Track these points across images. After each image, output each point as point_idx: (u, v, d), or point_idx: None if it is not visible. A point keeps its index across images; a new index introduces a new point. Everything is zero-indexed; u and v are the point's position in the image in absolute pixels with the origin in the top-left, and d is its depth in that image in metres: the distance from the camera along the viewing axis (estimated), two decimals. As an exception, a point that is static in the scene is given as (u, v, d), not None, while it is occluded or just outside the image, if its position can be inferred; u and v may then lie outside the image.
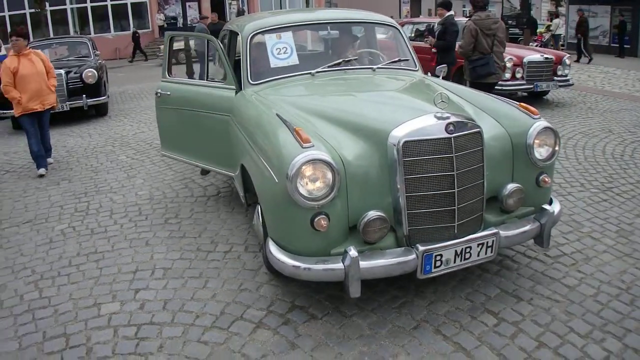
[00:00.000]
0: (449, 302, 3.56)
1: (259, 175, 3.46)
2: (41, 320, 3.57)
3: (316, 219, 3.01)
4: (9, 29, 29.95)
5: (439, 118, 3.14)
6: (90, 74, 10.63)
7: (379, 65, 4.90)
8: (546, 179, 3.63)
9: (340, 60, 4.78)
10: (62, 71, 10.39)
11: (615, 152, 7.13)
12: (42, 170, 7.02)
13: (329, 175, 3.00)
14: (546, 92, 11.29)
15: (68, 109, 10.38)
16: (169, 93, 5.31)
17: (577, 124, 8.83)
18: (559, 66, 10.73)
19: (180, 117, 5.21)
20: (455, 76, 9.14)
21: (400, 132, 3.12)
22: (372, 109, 3.69)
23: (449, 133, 3.10)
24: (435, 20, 12.75)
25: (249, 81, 4.57)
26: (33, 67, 6.97)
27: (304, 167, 2.97)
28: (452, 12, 8.75)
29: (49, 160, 7.48)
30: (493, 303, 3.54)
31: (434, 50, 9.18)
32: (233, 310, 3.57)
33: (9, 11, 30.23)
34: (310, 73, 4.60)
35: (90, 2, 31.75)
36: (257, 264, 4.17)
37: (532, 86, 10.18)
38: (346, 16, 5.55)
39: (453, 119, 3.14)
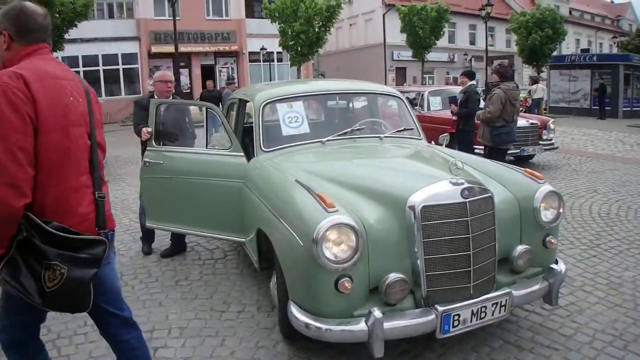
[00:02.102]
0: (457, 354, 3.73)
1: (281, 239, 3.54)
2: (64, 378, 3.61)
3: (340, 281, 3.11)
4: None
5: (454, 184, 3.32)
6: None
7: (386, 134, 5.11)
8: (552, 240, 3.80)
9: (350, 129, 4.98)
10: None
11: (601, 210, 7.46)
12: None
13: (353, 238, 3.10)
14: (532, 156, 11.69)
15: None
16: (161, 162, 5.20)
17: (563, 185, 9.16)
18: (544, 131, 11.20)
19: (175, 186, 5.11)
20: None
21: (418, 198, 3.26)
22: (387, 175, 3.89)
23: (464, 198, 3.26)
24: (422, 89, 13.29)
25: (261, 148, 4.74)
26: None
27: (329, 231, 3.08)
28: (474, 82, 9.20)
29: None
30: (497, 353, 3.73)
31: (454, 118, 9.62)
32: (252, 366, 3.66)
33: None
34: (321, 141, 4.80)
35: (83, 66, 32.37)
36: (271, 322, 4.26)
37: (518, 151, 10.56)
38: (353, 87, 5.80)
39: (467, 184, 3.33)
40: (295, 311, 3.33)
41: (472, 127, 8.79)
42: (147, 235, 6.32)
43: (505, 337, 3.94)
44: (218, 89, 34.41)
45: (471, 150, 8.19)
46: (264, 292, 4.84)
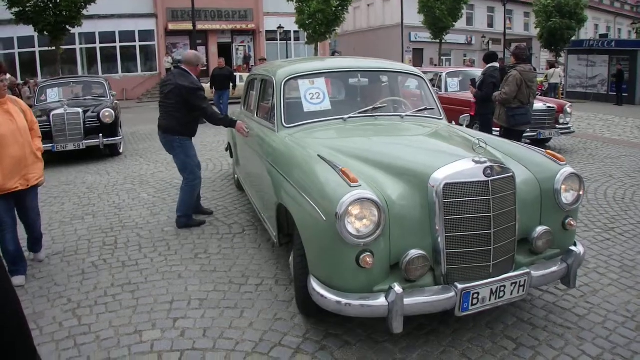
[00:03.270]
0: (471, 329, 3.81)
1: (304, 214, 3.57)
2: (83, 345, 3.71)
3: (362, 256, 3.13)
4: (18, 67, 30.68)
5: (476, 162, 3.32)
6: (107, 114, 10.88)
7: (407, 113, 5.13)
8: (572, 222, 3.80)
9: (371, 107, 5.01)
10: (80, 110, 10.72)
11: (616, 195, 7.47)
12: (19, 279, 4.81)
13: (376, 213, 3.13)
14: (548, 140, 11.64)
15: (84, 147, 10.61)
16: None
17: (579, 170, 9.01)
18: (561, 114, 11.14)
19: None
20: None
21: (441, 175, 3.27)
22: (409, 152, 3.91)
23: (486, 176, 3.27)
24: (440, 71, 13.23)
25: (283, 124, 4.79)
26: (12, 122, 4.65)
27: (352, 206, 3.10)
28: (494, 64, 9.09)
29: (39, 256, 5.39)
30: (511, 330, 3.80)
31: (473, 100, 9.68)
32: (271, 337, 3.75)
33: (19, 49, 30.88)
34: (342, 118, 4.84)
35: (100, 43, 32.49)
36: (289, 295, 4.35)
37: (535, 134, 10.52)
38: (375, 65, 5.80)
39: (490, 163, 3.33)
40: (315, 285, 3.36)
41: (488, 110, 8.73)
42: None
43: (519, 315, 4.00)
44: (235, 67, 34.68)
45: (489, 132, 8.16)
46: (282, 266, 4.91)
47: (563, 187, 3.74)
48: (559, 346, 3.58)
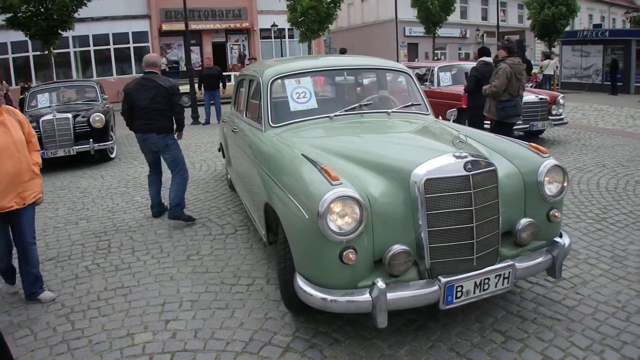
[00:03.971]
0: (460, 323, 3.84)
1: (288, 212, 3.61)
2: (77, 350, 3.74)
3: (345, 253, 3.18)
4: (12, 72, 30.67)
5: (457, 157, 3.36)
6: (97, 119, 10.72)
7: (394, 110, 5.16)
8: (556, 214, 3.84)
9: (357, 105, 5.05)
10: (70, 115, 10.60)
11: (608, 185, 7.50)
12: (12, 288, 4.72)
13: (357, 210, 3.16)
14: (542, 131, 11.68)
15: (75, 153, 10.52)
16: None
17: (572, 160, 9.17)
18: (554, 106, 11.16)
19: None
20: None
21: (422, 171, 3.31)
22: (392, 150, 3.95)
23: (467, 171, 3.31)
24: (432, 65, 13.25)
25: (269, 124, 4.84)
26: (7, 135, 4.20)
27: (333, 204, 3.14)
28: (484, 59, 9.06)
29: (45, 296, 4.61)
30: (500, 323, 3.83)
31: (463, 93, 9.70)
32: (261, 336, 3.79)
33: (12, 54, 30.86)
34: (328, 116, 4.87)
35: (93, 45, 32.46)
36: (280, 295, 4.34)
37: (527, 126, 10.55)
38: (361, 63, 5.87)
39: (470, 157, 3.37)
40: (301, 283, 3.41)
41: (476, 103, 8.73)
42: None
43: (508, 308, 4.03)
44: (230, 65, 34.66)
45: (480, 126, 8.20)
46: (274, 266, 4.94)
47: (546, 179, 3.77)
48: (548, 338, 3.60)
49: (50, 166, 10.65)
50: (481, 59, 9.13)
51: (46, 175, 9.47)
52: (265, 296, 4.42)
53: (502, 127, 7.65)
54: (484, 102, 8.31)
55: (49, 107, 11.65)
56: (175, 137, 6.70)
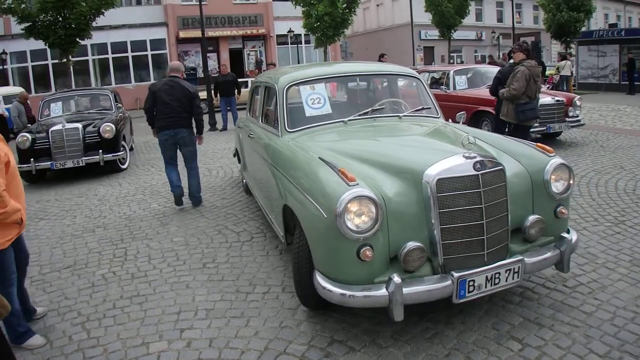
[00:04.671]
0: (477, 331, 3.81)
1: (307, 213, 3.75)
2: (92, 358, 3.77)
3: (362, 250, 3.32)
4: (31, 80, 31.05)
5: (467, 157, 3.51)
6: (108, 129, 10.54)
7: (405, 113, 5.32)
8: (563, 210, 3.98)
9: (370, 109, 5.21)
10: (80, 125, 10.49)
11: (627, 187, 7.39)
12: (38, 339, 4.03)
13: (373, 209, 3.32)
14: (559, 133, 11.57)
15: (83, 164, 10.30)
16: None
17: (589, 162, 9.07)
18: (570, 107, 11.07)
19: None
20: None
21: (434, 171, 3.46)
22: (405, 152, 4.10)
23: (476, 170, 3.46)
24: (448, 69, 13.17)
25: (286, 129, 5.01)
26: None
27: (350, 204, 3.29)
28: (512, 61, 8.81)
29: (32, 341, 3.99)
30: (517, 330, 3.79)
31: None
32: (276, 345, 3.77)
33: (32, 62, 31.26)
34: (342, 121, 5.04)
35: (112, 53, 32.80)
36: (296, 302, 4.37)
37: (544, 128, 10.46)
38: (373, 69, 6.06)
39: (479, 158, 3.52)
40: (320, 280, 3.56)
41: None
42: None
43: (525, 315, 4.00)
44: (247, 71, 34.79)
45: (501, 130, 8.15)
46: (289, 273, 4.95)
47: (553, 177, 3.92)
48: (566, 345, 3.56)
49: (69, 174, 10.76)
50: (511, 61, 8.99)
51: (64, 183, 9.62)
52: (280, 304, 4.41)
53: (520, 130, 7.68)
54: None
55: (61, 116, 11.64)
56: (196, 141, 7.66)
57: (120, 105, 13.17)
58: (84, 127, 10.52)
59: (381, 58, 17.23)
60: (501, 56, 22.28)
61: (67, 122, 10.57)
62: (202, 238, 6.26)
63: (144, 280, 5.14)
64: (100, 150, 10.39)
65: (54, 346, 3.96)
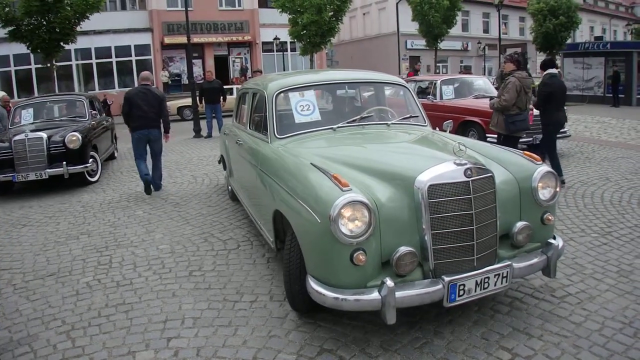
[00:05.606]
0: (466, 341, 3.80)
1: (299, 218, 3.76)
2: (78, 368, 3.70)
3: (355, 254, 3.35)
4: (14, 84, 30.77)
5: (458, 164, 3.57)
6: (74, 139, 9.67)
7: (393, 121, 5.38)
8: (550, 217, 4.07)
9: (359, 117, 5.26)
10: (44, 134, 9.65)
11: (613, 198, 7.44)
12: None
13: (367, 214, 3.35)
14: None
15: (47, 177, 9.50)
16: None
17: (575, 173, 9.13)
18: (557, 119, 11.08)
19: None
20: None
21: (426, 177, 3.51)
22: (396, 158, 4.14)
23: (467, 177, 3.52)
24: (435, 78, 13.23)
25: (275, 135, 5.03)
26: None
27: (344, 209, 3.32)
28: (551, 71, 8.53)
29: None
30: (506, 340, 3.78)
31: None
32: (264, 355, 3.72)
33: (14, 66, 30.99)
34: (331, 128, 5.08)
35: (96, 58, 32.61)
36: (284, 311, 4.34)
37: (531, 139, 10.49)
38: (361, 77, 6.10)
39: (470, 165, 3.59)
40: (313, 284, 3.57)
41: (547, 120, 8.58)
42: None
43: (514, 325, 3.99)
44: (232, 78, 34.75)
45: (548, 146, 8.54)
46: (277, 282, 4.92)
47: (540, 184, 4.01)
48: (555, 355, 3.56)
49: (52, 180, 10.56)
50: (547, 71, 8.60)
51: (48, 189, 9.46)
52: (268, 313, 4.36)
53: (509, 141, 7.70)
54: (560, 116, 8.31)
55: (32, 123, 11.02)
56: (164, 139, 9.24)
57: (95, 112, 12.34)
58: (49, 136, 9.68)
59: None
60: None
61: (32, 131, 9.82)
62: (188, 246, 6.19)
63: (129, 288, 5.06)
64: (64, 162, 9.53)
65: (38, 355, 3.87)
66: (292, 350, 3.76)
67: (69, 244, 6.55)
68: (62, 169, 9.49)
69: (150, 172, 9.09)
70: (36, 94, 28.15)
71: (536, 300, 4.38)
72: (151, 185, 9.04)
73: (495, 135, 8.39)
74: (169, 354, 3.81)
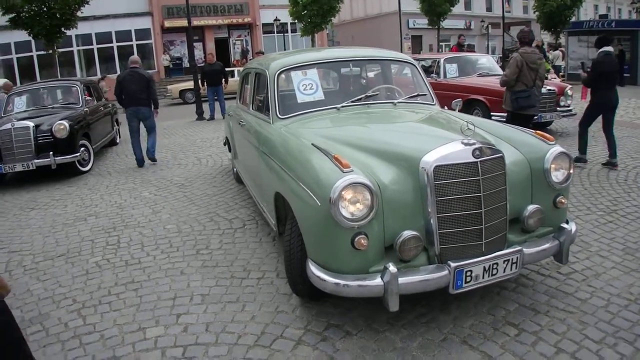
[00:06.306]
0: (472, 316, 3.81)
1: (300, 201, 3.64)
2: (89, 345, 3.76)
3: (356, 239, 3.22)
4: (16, 72, 30.76)
5: (465, 144, 3.39)
6: (61, 127, 9.22)
7: (400, 100, 5.21)
8: (562, 200, 3.87)
9: (364, 95, 5.09)
10: (30, 123, 9.18)
11: (618, 177, 7.43)
12: None
13: (368, 197, 3.21)
14: (550, 123, 11.59)
15: (34, 167, 9.09)
16: None
17: (580, 152, 9.09)
18: (562, 97, 11.04)
19: None
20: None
21: (431, 158, 3.36)
22: (401, 138, 3.98)
23: (475, 158, 3.34)
24: (438, 57, 13.18)
25: (277, 116, 4.89)
26: None
27: (344, 191, 3.19)
28: (606, 49, 8.23)
29: None
30: (513, 316, 3.80)
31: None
32: (273, 330, 3.78)
33: (16, 54, 30.97)
34: (335, 107, 4.92)
35: (97, 44, 32.53)
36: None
37: (536, 117, 10.45)
38: (366, 54, 5.88)
39: (479, 145, 3.40)
40: (314, 269, 3.46)
41: (600, 99, 8.26)
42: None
43: (520, 301, 4.00)
44: (233, 61, 34.66)
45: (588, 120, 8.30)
46: (283, 260, 4.93)
47: (553, 166, 3.80)
48: (561, 331, 3.58)
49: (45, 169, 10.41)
50: (602, 49, 8.30)
51: (52, 173, 9.49)
52: (275, 290, 4.42)
53: (518, 119, 7.45)
54: (609, 96, 8.10)
55: (25, 111, 10.65)
56: (154, 113, 10.20)
57: (89, 98, 11.84)
58: (37, 125, 9.24)
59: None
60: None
61: (19, 120, 9.37)
62: (194, 225, 6.25)
63: (138, 267, 5.14)
64: (51, 152, 9.13)
65: (49, 333, 3.95)
66: (300, 325, 3.82)
67: (77, 225, 6.63)
68: (48, 159, 9.11)
69: (145, 148, 10.32)
70: (39, 81, 28.16)
71: (542, 276, 4.38)
72: (144, 162, 10.29)
73: (502, 114, 8.34)
74: (179, 329, 3.89)
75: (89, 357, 3.62)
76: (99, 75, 29.49)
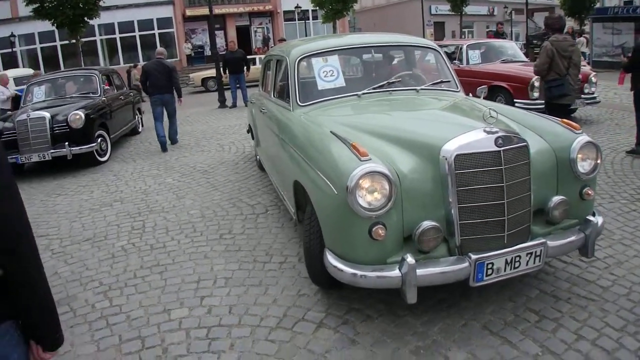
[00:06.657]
0: (493, 302, 3.80)
1: (317, 189, 3.60)
2: (115, 325, 3.85)
3: (374, 229, 3.16)
4: (41, 62, 31.15)
5: (488, 132, 3.29)
6: (77, 117, 9.13)
7: (423, 87, 5.10)
8: (589, 192, 3.73)
9: (385, 82, 4.99)
10: (47, 113, 9.15)
11: (643, 166, 7.32)
12: None
13: (386, 186, 3.14)
14: (574, 110, 11.45)
15: (50, 158, 9.07)
16: None
17: (605, 140, 8.98)
18: (586, 84, 10.85)
19: None
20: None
21: (452, 146, 3.26)
22: (422, 126, 3.92)
23: (498, 146, 3.24)
24: (461, 43, 13.08)
25: (297, 103, 4.85)
26: None
27: (362, 180, 3.13)
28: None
29: None
30: (534, 302, 3.78)
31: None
32: (294, 312, 3.84)
33: (40, 44, 31.34)
34: (356, 94, 4.85)
35: (119, 33, 32.79)
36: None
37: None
38: (388, 40, 5.78)
39: (502, 133, 3.29)
40: (331, 259, 3.41)
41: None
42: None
43: (542, 288, 3.98)
44: (254, 49, 34.72)
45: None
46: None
47: (579, 155, 3.66)
48: (582, 318, 3.54)
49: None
50: None
51: (69, 163, 9.55)
52: (297, 273, 4.47)
53: (553, 109, 7.22)
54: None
55: (44, 101, 10.65)
56: (178, 103, 11.03)
57: (108, 87, 11.77)
58: (52, 116, 9.18)
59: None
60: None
61: (35, 111, 9.32)
62: (217, 211, 6.34)
63: (162, 251, 5.25)
64: (67, 143, 9.09)
65: (77, 314, 4.06)
66: (321, 309, 3.87)
67: (103, 210, 6.78)
68: (64, 150, 9.07)
69: (167, 133, 10.92)
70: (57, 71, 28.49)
71: (564, 263, 4.35)
72: (167, 144, 10.80)
73: (526, 101, 8.20)
74: (203, 311, 3.98)
75: (115, 337, 3.71)
76: (121, 64, 29.81)
